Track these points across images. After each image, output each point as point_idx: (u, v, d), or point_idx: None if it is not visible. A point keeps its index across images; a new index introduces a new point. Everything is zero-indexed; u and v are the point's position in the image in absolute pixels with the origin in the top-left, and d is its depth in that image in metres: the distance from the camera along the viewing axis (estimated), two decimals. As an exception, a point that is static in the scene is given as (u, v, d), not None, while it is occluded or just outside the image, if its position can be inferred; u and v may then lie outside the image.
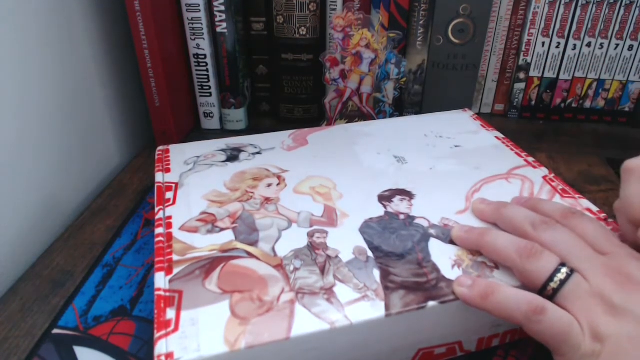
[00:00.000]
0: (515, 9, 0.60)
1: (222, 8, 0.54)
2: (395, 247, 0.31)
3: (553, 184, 0.37)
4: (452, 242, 0.31)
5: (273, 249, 0.31)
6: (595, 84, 0.63)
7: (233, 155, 0.41)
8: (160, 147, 0.43)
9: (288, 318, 0.26)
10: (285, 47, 0.59)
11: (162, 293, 0.27)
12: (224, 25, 0.55)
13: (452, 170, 0.39)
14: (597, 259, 0.27)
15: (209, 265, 0.29)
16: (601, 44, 0.60)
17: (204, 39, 0.56)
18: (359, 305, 0.27)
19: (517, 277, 0.28)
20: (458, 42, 0.58)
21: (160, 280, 0.28)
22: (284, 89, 0.62)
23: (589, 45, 0.60)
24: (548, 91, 0.64)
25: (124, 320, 0.33)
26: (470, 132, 0.46)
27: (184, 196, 0.36)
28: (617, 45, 0.60)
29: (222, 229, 0.32)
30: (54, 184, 0.45)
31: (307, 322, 0.25)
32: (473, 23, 0.57)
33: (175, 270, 0.29)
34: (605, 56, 0.61)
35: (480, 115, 0.52)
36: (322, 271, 0.29)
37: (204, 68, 0.58)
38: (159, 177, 0.38)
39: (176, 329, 0.25)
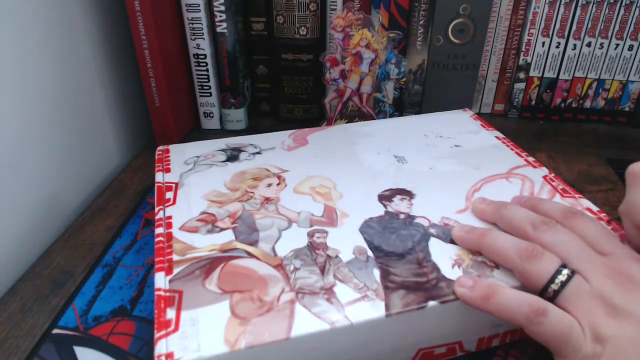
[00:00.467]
0: (515, 9, 0.60)
1: (222, 8, 0.54)
2: (395, 247, 0.31)
3: (553, 183, 0.37)
4: (452, 242, 0.31)
5: (273, 249, 0.31)
6: (595, 83, 0.63)
7: (233, 155, 0.41)
8: (160, 147, 0.43)
9: (288, 318, 0.26)
10: (285, 47, 0.59)
11: (162, 293, 0.27)
12: (224, 25, 0.55)
13: (452, 170, 0.39)
14: (598, 259, 0.27)
15: (209, 265, 0.29)
16: (601, 44, 0.60)
17: (204, 39, 0.56)
18: (359, 305, 0.27)
19: (517, 278, 0.28)
20: (458, 42, 0.58)
21: (160, 280, 0.28)
22: (284, 89, 0.62)
23: (589, 45, 0.60)
24: (548, 91, 0.64)
25: (124, 320, 0.33)
26: (470, 131, 0.46)
27: (184, 196, 0.36)
28: (617, 45, 0.60)
29: (222, 229, 0.32)
30: (54, 184, 0.45)
31: (307, 322, 0.25)
32: (473, 23, 0.57)
33: (175, 270, 0.29)
34: (605, 56, 0.61)
35: (480, 115, 0.52)
36: (322, 271, 0.29)
37: (204, 68, 0.58)
38: (159, 177, 0.38)
39: (176, 329, 0.25)
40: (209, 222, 0.33)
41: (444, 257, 0.30)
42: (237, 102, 0.60)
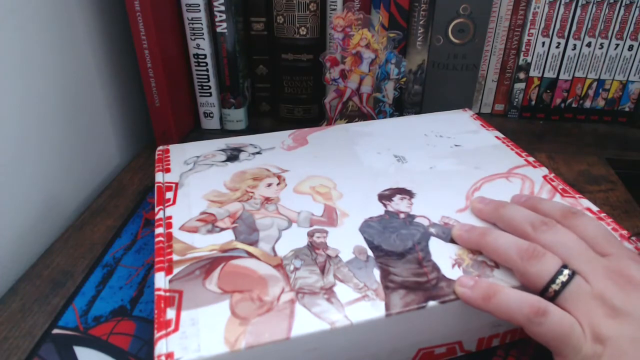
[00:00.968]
0: (515, 9, 0.60)
1: (222, 8, 0.54)
2: (395, 247, 0.31)
3: (553, 183, 0.37)
4: (452, 241, 0.31)
5: (273, 249, 0.31)
6: (595, 84, 0.63)
7: (233, 155, 0.41)
8: (160, 147, 0.43)
9: (288, 318, 0.26)
10: (285, 47, 0.59)
11: (162, 293, 0.27)
12: (224, 25, 0.55)
13: (452, 170, 0.39)
14: (598, 260, 0.27)
15: (209, 265, 0.29)
16: (601, 44, 0.60)
17: (204, 39, 0.56)
18: (359, 305, 0.27)
19: (518, 279, 0.28)
20: (458, 42, 0.58)
21: (160, 280, 0.28)
22: (284, 89, 0.62)
23: (589, 45, 0.60)
24: (548, 91, 0.64)
25: (124, 320, 0.33)
26: (470, 131, 0.46)
27: (184, 196, 0.36)
28: (617, 45, 0.60)
29: (222, 229, 0.32)
30: (54, 184, 0.45)
31: (307, 322, 0.25)
32: (473, 23, 0.57)
33: (175, 270, 0.29)
34: (605, 56, 0.61)
35: (480, 115, 0.52)
36: (322, 271, 0.29)
37: (204, 68, 0.58)
38: (159, 177, 0.38)
39: (176, 328, 0.25)
40: (209, 222, 0.33)
41: (444, 256, 0.30)
42: (237, 102, 0.60)
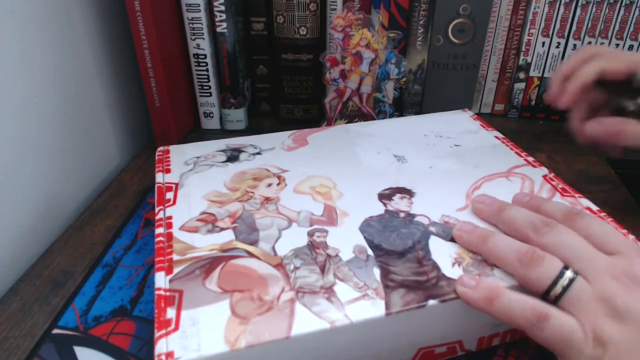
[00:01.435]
0: (515, 9, 0.60)
1: (222, 8, 0.54)
2: (395, 246, 0.31)
3: (553, 182, 0.37)
4: (452, 240, 0.31)
5: (273, 249, 0.31)
6: (595, 83, 0.63)
7: (233, 156, 0.41)
8: (161, 148, 0.43)
9: (288, 317, 0.26)
10: (285, 47, 0.59)
11: (162, 292, 0.27)
12: (224, 25, 0.55)
13: (452, 169, 0.39)
14: (602, 260, 0.26)
15: (209, 264, 0.29)
16: (601, 44, 0.60)
17: (204, 39, 0.56)
18: (359, 304, 0.27)
19: (519, 283, 0.28)
20: (458, 42, 0.58)
21: (161, 280, 0.28)
22: (284, 89, 0.62)
23: (589, 45, 0.60)
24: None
25: (124, 320, 0.33)
26: (470, 131, 0.46)
27: (184, 196, 0.36)
28: (617, 45, 0.60)
29: (222, 229, 0.32)
30: (54, 184, 0.45)
31: (307, 321, 0.25)
32: (473, 23, 0.57)
33: (176, 270, 0.29)
34: (605, 56, 0.61)
35: (480, 115, 0.52)
36: (322, 270, 0.29)
37: (204, 68, 0.58)
38: (159, 177, 0.38)
39: (176, 328, 0.25)
40: (209, 222, 0.33)
41: (444, 255, 0.30)
42: (237, 102, 0.60)
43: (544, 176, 0.38)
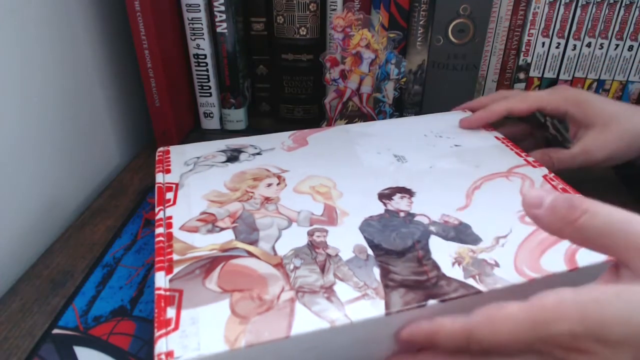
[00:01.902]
0: (515, 9, 0.60)
1: (222, 8, 0.54)
2: (395, 245, 0.31)
3: (553, 182, 0.37)
4: (452, 239, 0.31)
5: (273, 248, 0.31)
6: (595, 84, 0.63)
7: (233, 156, 0.41)
8: (161, 148, 0.43)
9: (288, 317, 0.26)
10: (285, 47, 0.59)
11: (162, 292, 0.27)
12: (224, 25, 0.55)
13: (452, 168, 0.39)
14: None
15: (209, 264, 0.29)
16: (601, 44, 0.60)
17: (204, 39, 0.56)
18: (359, 304, 0.27)
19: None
20: (458, 42, 0.58)
21: (161, 280, 0.28)
22: (284, 89, 0.62)
23: (588, 45, 0.60)
24: (548, 91, 0.64)
25: (124, 320, 0.33)
26: (469, 132, 0.46)
27: (184, 196, 0.36)
28: (617, 45, 0.60)
29: (222, 229, 0.32)
30: (54, 184, 0.45)
31: (307, 320, 0.25)
32: (473, 23, 0.57)
33: (176, 270, 0.29)
34: (605, 56, 0.61)
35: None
36: (322, 270, 0.29)
37: (204, 68, 0.58)
38: (159, 177, 0.38)
39: (176, 327, 0.25)
40: (209, 222, 0.33)
41: (444, 255, 0.30)
42: (237, 102, 0.60)
43: (544, 176, 0.38)
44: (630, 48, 0.60)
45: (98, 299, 0.35)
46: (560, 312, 0.21)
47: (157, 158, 0.41)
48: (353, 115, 0.55)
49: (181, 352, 0.24)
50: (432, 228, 0.32)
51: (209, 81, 0.59)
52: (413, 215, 0.34)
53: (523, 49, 0.61)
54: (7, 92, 0.39)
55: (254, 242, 0.31)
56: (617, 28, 0.59)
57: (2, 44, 0.38)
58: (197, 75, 0.58)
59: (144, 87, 0.53)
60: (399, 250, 0.30)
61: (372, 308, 0.26)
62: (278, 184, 0.37)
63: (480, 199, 0.35)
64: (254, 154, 0.42)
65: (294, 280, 0.28)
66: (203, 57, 0.57)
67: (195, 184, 0.37)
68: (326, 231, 0.32)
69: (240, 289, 0.27)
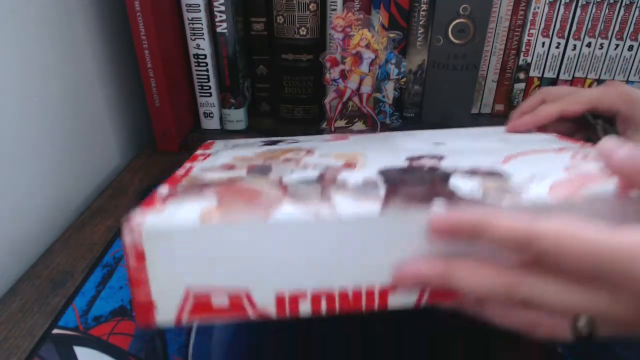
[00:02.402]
0: (515, 9, 0.60)
1: (222, 8, 0.54)
2: (411, 180, 0.27)
3: None
4: (478, 176, 0.27)
5: (280, 179, 0.29)
6: (595, 84, 0.63)
7: (272, 142, 0.41)
8: (208, 141, 0.43)
9: (272, 207, 0.23)
10: (285, 47, 0.59)
11: (160, 194, 0.27)
12: (224, 25, 0.55)
13: (494, 146, 0.37)
14: None
15: (212, 185, 0.28)
16: (601, 44, 0.60)
17: (204, 39, 0.56)
18: (353, 204, 0.24)
19: None
20: (458, 42, 0.58)
21: (163, 189, 0.28)
22: (284, 89, 0.62)
23: (589, 45, 0.60)
24: (548, 91, 0.64)
25: (124, 320, 0.33)
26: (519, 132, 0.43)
27: (214, 157, 0.36)
28: (617, 45, 0.60)
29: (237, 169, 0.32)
30: (54, 184, 0.45)
31: (291, 211, 0.23)
32: (473, 23, 0.57)
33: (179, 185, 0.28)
34: (605, 56, 0.61)
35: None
36: (324, 189, 0.26)
37: (204, 68, 0.58)
38: (199, 152, 0.38)
39: (157, 206, 0.24)
40: (228, 169, 0.32)
41: (465, 186, 0.26)
42: (237, 102, 0.60)
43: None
44: (630, 48, 0.60)
45: (98, 299, 0.35)
46: None
47: (200, 146, 0.41)
48: (353, 115, 0.55)
49: (152, 222, 0.23)
50: (457, 173, 0.28)
51: (209, 81, 0.59)
52: (438, 168, 0.30)
53: (523, 49, 0.61)
54: (7, 92, 0.39)
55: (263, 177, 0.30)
56: (617, 28, 0.59)
57: (2, 44, 0.38)
58: (197, 75, 0.58)
59: (144, 87, 0.53)
60: (413, 182, 0.27)
61: (366, 208, 0.23)
62: (305, 154, 0.36)
63: (521, 162, 0.31)
64: (292, 142, 0.41)
65: (293, 191, 0.26)
66: (203, 57, 0.57)
67: (228, 153, 0.37)
68: (340, 171, 0.29)
69: (234, 196, 0.26)
